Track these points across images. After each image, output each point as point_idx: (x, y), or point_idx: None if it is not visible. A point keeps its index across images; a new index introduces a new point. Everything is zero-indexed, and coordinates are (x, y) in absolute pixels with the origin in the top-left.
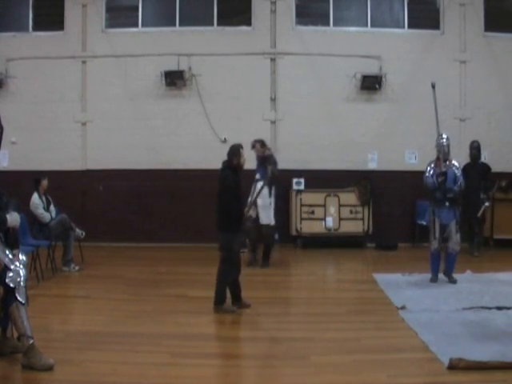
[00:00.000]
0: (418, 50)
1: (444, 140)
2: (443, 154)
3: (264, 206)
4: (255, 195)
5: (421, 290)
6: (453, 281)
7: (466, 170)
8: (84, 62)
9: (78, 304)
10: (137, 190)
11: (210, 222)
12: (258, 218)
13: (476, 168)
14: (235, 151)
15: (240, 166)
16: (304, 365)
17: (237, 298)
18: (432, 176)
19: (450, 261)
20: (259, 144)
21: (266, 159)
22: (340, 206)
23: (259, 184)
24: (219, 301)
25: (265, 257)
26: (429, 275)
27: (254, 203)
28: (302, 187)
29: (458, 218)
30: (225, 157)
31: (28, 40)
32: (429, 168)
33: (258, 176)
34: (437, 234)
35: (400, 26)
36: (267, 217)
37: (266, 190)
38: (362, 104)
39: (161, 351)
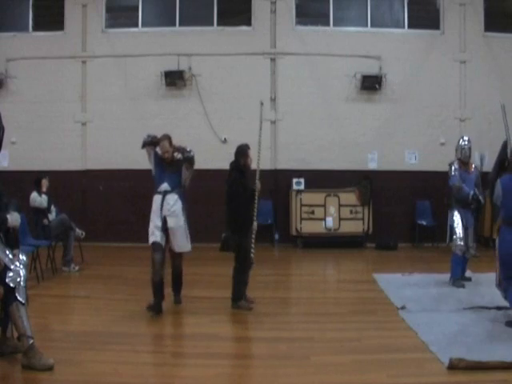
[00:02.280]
0: (418, 50)
1: (466, 142)
2: (464, 157)
3: (178, 227)
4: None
5: (421, 290)
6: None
7: None
8: (84, 62)
9: (78, 304)
10: (137, 189)
11: (209, 221)
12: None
13: None
14: (242, 151)
15: (247, 167)
16: (304, 365)
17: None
18: (464, 183)
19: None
20: (168, 141)
21: (177, 162)
22: (340, 205)
23: (171, 197)
24: (237, 297)
25: (176, 287)
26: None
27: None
28: (302, 187)
29: (475, 224)
30: (225, 157)
31: (28, 40)
32: (453, 168)
33: (165, 186)
34: (462, 234)
35: (400, 26)
36: (183, 243)
37: (179, 205)
38: (362, 104)
39: (161, 351)
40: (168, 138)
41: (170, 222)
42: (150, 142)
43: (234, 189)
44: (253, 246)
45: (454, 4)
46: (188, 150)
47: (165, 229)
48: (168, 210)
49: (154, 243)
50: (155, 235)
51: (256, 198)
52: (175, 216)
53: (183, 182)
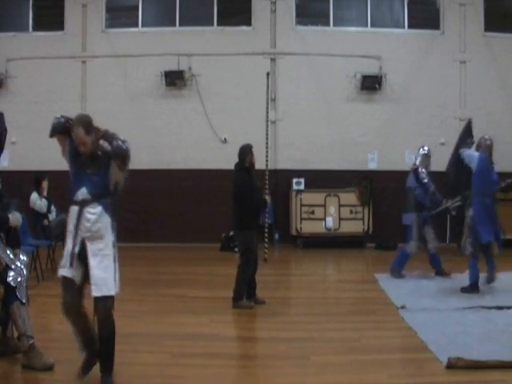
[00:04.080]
0: (418, 50)
1: (427, 152)
2: (428, 165)
3: (103, 256)
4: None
5: (421, 289)
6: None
7: None
8: (84, 62)
9: None
10: (137, 189)
11: (209, 221)
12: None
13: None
14: (246, 151)
15: (252, 166)
16: (304, 365)
17: (251, 295)
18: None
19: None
20: (83, 128)
21: (102, 157)
22: (340, 206)
23: (93, 209)
24: (237, 297)
25: (106, 358)
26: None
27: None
28: (302, 187)
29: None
30: (225, 157)
31: (28, 40)
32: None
33: (83, 193)
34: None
35: (400, 26)
36: (107, 282)
37: (106, 221)
38: (362, 104)
39: (161, 351)
40: (83, 122)
41: (91, 248)
42: (63, 128)
43: (240, 188)
44: (266, 240)
45: (454, 4)
46: (122, 139)
47: (83, 256)
48: (88, 230)
49: (64, 279)
50: (66, 266)
51: (267, 207)
52: (99, 238)
53: (112, 186)
